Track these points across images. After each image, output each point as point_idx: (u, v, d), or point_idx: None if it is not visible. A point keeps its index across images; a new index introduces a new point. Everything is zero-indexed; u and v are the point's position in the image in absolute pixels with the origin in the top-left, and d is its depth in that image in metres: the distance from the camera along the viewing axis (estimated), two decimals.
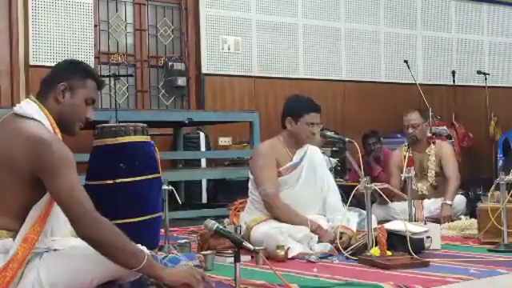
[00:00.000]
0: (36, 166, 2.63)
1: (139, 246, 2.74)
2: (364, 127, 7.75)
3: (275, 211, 4.24)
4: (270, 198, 4.24)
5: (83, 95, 2.85)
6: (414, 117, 5.72)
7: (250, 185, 4.42)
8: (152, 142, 4.03)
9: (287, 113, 4.38)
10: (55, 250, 2.74)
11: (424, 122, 5.79)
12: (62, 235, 2.84)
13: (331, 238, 4.11)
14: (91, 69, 3.00)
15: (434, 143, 5.78)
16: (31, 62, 7.17)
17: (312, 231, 4.14)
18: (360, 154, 4.25)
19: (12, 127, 2.72)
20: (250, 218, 4.29)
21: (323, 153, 4.78)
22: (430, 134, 6.21)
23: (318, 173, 4.43)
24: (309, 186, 4.38)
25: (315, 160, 4.45)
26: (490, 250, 4.10)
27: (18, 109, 2.78)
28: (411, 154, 5.66)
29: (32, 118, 2.72)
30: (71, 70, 2.87)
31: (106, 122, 5.49)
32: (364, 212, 4.01)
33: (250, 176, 4.42)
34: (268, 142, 4.48)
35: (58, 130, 2.78)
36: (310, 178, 4.39)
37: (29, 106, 2.78)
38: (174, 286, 2.72)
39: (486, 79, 9.47)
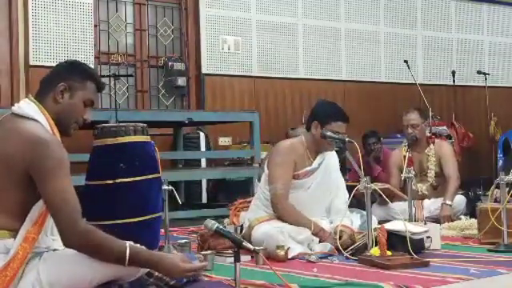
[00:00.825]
0: (31, 165, 2.62)
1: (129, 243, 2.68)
2: (364, 127, 7.74)
3: (281, 212, 4.22)
4: (278, 198, 4.21)
5: (82, 96, 2.84)
6: (413, 116, 5.69)
7: (263, 180, 4.37)
8: (152, 142, 4.03)
9: (314, 117, 4.32)
10: (55, 249, 2.73)
11: (423, 122, 5.76)
12: None
13: (334, 241, 4.09)
14: (92, 70, 2.99)
15: (433, 143, 5.76)
16: (31, 62, 7.17)
17: (314, 234, 4.13)
18: (360, 154, 4.24)
19: (11, 127, 2.71)
20: (254, 216, 4.28)
21: None
22: (429, 134, 6.19)
23: (332, 177, 4.41)
24: (321, 189, 4.36)
25: (332, 165, 4.42)
26: (490, 250, 4.09)
27: (16, 109, 2.78)
28: (410, 155, 5.65)
29: (31, 118, 2.72)
30: (71, 71, 2.86)
31: (106, 122, 5.50)
32: (365, 213, 4.01)
33: (266, 171, 4.36)
34: (290, 141, 4.46)
35: (56, 131, 2.77)
36: (324, 181, 4.36)
37: (27, 106, 2.77)
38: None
39: (486, 79, 9.46)
